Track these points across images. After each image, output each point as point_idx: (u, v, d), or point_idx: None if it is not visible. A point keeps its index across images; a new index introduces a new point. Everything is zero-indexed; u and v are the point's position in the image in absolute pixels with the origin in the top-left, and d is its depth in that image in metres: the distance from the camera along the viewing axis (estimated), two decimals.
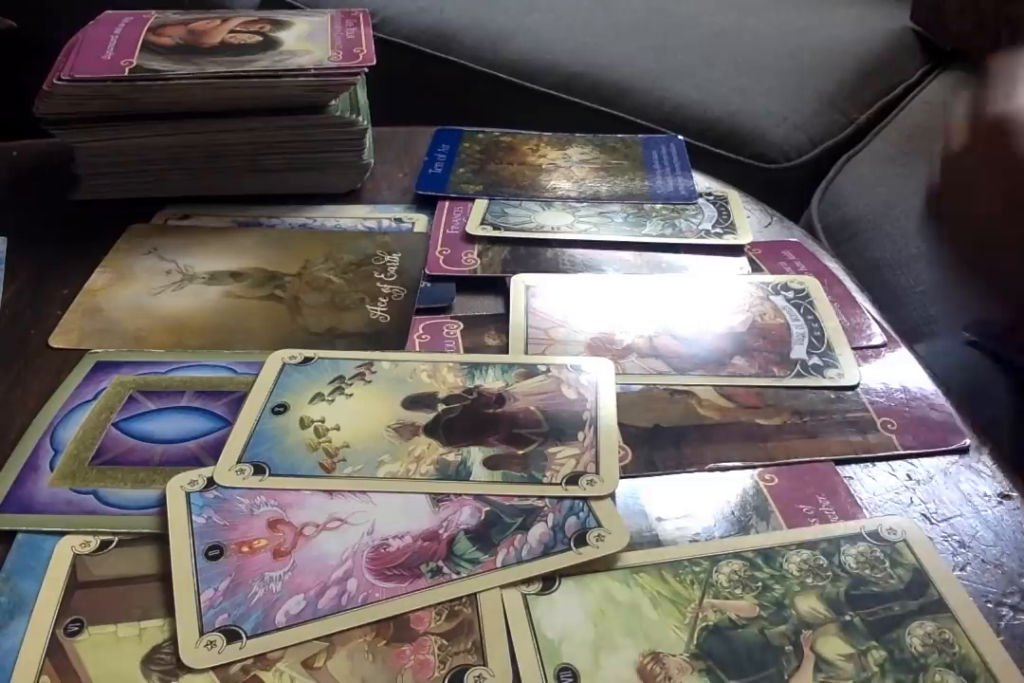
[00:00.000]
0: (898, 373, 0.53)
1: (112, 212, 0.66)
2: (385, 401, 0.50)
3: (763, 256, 0.63)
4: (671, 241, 0.64)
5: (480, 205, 0.68)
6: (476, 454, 0.46)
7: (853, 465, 0.47)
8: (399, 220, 0.67)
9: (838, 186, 1.01)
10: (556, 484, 0.45)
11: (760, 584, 0.40)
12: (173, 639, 0.38)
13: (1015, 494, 0.45)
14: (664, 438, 0.48)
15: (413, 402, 0.50)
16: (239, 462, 0.46)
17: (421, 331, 0.56)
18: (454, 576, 0.40)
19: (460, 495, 0.44)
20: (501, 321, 0.57)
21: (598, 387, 0.51)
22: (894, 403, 0.51)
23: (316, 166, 0.69)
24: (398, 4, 1.28)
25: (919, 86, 1.17)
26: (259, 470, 0.45)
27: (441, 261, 0.62)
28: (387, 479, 0.45)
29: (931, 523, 0.44)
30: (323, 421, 0.48)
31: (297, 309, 0.58)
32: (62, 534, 0.43)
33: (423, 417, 0.49)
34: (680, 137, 0.79)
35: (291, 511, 0.43)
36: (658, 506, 0.44)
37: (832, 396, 0.51)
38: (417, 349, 0.54)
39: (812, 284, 0.60)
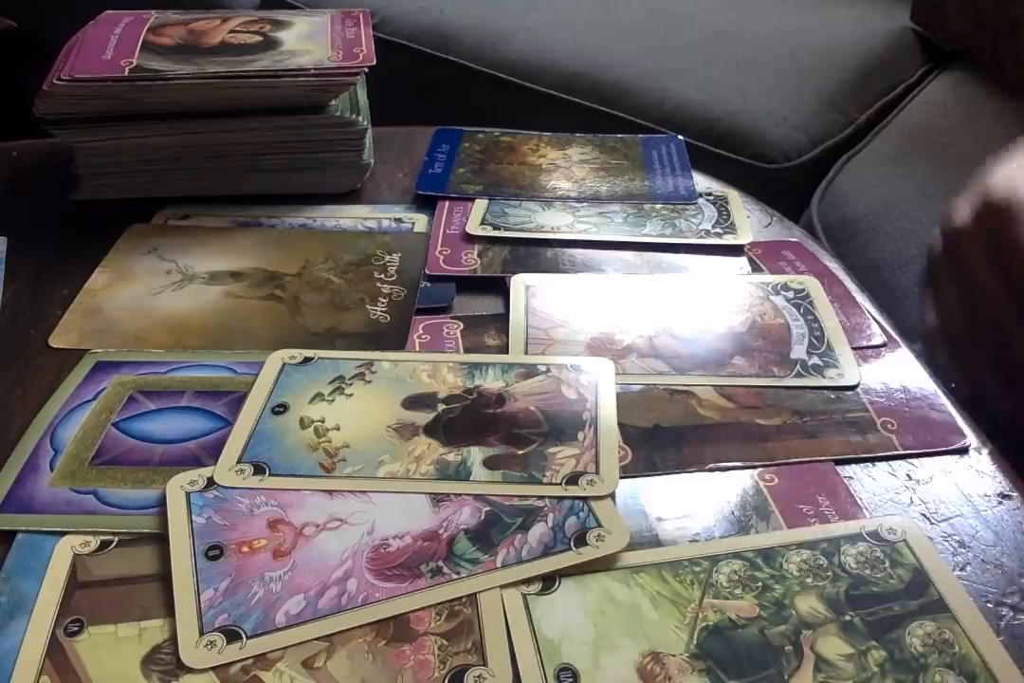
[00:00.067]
0: (898, 373, 0.53)
1: (112, 212, 0.66)
2: (385, 401, 0.50)
3: (763, 256, 0.63)
4: (671, 241, 0.64)
5: (480, 205, 0.68)
6: (476, 454, 0.46)
7: (853, 465, 0.47)
8: (399, 220, 0.67)
9: (838, 186, 1.00)
10: (556, 484, 0.45)
11: (760, 584, 0.40)
12: (173, 639, 0.38)
13: (1015, 494, 0.45)
14: (664, 438, 0.48)
15: (413, 402, 0.50)
16: (239, 462, 0.46)
17: (421, 331, 0.56)
18: (454, 576, 0.40)
19: (460, 495, 0.44)
20: (501, 321, 0.57)
21: (598, 387, 0.51)
22: (894, 403, 0.51)
23: (316, 166, 0.69)
24: (398, 4, 1.28)
25: (919, 86, 1.16)
26: (259, 470, 0.45)
27: (441, 261, 0.62)
28: (387, 479, 0.45)
29: (931, 523, 0.44)
30: (323, 421, 0.48)
31: (297, 309, 0.58)
32: (62, 534, 0.43)
33: (423, 417, 0.49)
34: (680, 137, 0.78)
35: (291, 511, 0.43)
36: (658, 506, 0.44)
37: (832, 396, 0.51)
38: (417, 349, 0.54)
39: (812, 284, 0.60)
